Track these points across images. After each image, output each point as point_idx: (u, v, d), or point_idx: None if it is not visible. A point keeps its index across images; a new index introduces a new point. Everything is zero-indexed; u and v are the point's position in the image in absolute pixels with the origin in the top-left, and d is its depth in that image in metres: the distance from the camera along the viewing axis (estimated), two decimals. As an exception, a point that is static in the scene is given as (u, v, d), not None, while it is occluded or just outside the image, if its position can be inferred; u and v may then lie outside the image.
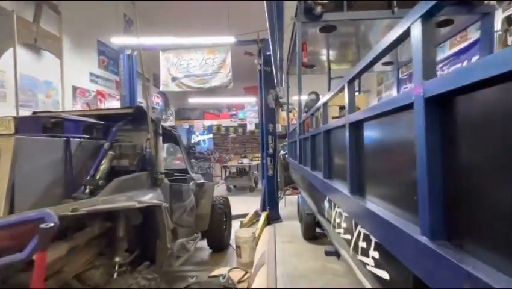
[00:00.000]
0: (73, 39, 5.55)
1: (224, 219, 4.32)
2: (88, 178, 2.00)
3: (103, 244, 2.24)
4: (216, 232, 3.96)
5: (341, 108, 2.92)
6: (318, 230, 4.54)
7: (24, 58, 4.52)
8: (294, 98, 9.85)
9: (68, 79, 5.33)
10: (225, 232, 4.23)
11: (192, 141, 12.24)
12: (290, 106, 7.28)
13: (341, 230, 1.81)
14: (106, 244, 2.26)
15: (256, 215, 5.71)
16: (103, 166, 2.07)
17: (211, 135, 12.34)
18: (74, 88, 5.55)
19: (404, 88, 6.93)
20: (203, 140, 12.39)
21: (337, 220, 1.92)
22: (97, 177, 2.00)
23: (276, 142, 5.71)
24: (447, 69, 5.40)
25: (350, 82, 1.53)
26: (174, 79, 6.03)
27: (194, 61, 5.94)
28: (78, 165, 2.02)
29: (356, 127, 1.45)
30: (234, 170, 9.91)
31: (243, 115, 10.83)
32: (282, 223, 5.53)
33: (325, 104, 2.08)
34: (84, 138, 2.09)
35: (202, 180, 3.98)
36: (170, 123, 10.68)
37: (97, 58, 6.32)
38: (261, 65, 5.27)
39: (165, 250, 2.46)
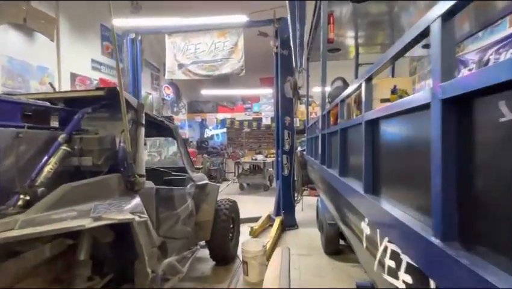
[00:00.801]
0: (72, 22, 5.09)
1: (231, 226, 3.70)
2: (26, 183, 1.42)
3: (60, 268, 1.67)
4: (220, 242, 3.35)
5: (386, 100, 2.17)
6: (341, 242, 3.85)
7: (14, 40, 4.09)
8: (315, 90, 9.05)
9: (66, 65, 4.89)
10: (231, 242, 3.61)
11: (205, 136, 11.75)
12: (309, 99, 6.47)
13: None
14: (66, 267, 1.70)
15: (269, 219, 5.06)
16: (50, 166, 1.49)
17: (224, 129, 11.78)
18: (74, 76, 5.10)
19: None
20: (217, 134, 11.85)
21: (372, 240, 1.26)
22: (38, 182, 1.42)
23: (294, 138, 5.00)
24: (505, 53, 4.43)
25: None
26: (180, 66, 5.45)
27: (203, 45, 5.31)
28: (13, 164, 1.45)
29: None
30: (247, 166, 9.30)
31: (258, 108, 10.14)
32: (299, 231, 4.85)
33: (369, 78, 1.39)
34: (23, 127, 1.50)
35: (205, 181, 3.36)
36: (181, 116, 10.21)
37: (100, 44, 5.85)
38: (277, 47, 4.55)
39: (144, 274, 1.87)
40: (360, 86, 1.49)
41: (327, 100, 3.82)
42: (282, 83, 4.72)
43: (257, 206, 6.66)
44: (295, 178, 5.06)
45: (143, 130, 2.09)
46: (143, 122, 2.11)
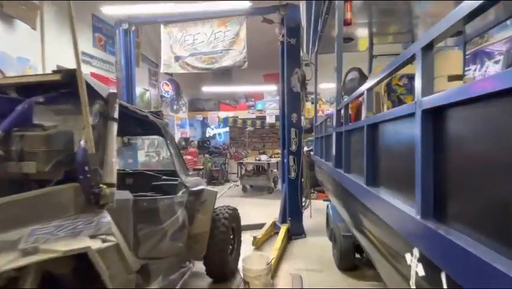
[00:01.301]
0: (59, 10, 4.66)
1: (231, 236, 3.24)
2: None
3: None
4: (218, 256, 2.89)
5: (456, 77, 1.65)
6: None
7: (-10, 28, 3.67)
8: (322, 86, 8.54)
9: (52, 57, 4.46)
10: (231, 256, 3.15)
11: (207, 135, 11.31)
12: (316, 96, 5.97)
13: None
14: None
15: (274, 227, 4.59)
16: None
17: (227, 128, 11.33)
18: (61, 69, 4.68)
19: (467, 70, 5.43)
20: (219, 134, 11.41)
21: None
22: None
23: (301, 137, 4.52)
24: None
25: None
26: (177, 58, 5.00)
27: (202, 36, 4.85)
28: None
29: None
30: (250, 167, 8.84)
31: (262, 106, 9.67)
32: (307, 240, 4.37)
33: (429, 46, 0.91)
34: None
35: (200, 187, 2.91)
36: (182, 114, 9.78)
37: (91, 36, 5.43)
38: (283, 35, 4.07)
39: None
40: (413, 58, 1.01)
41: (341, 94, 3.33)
42: (289, 76, 4.24)
43: (261, 211, 6.19)
44: (303, 181, 4.58)
45: (114, 126, 1.63)
46: (115, 116, 1.65)
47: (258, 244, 4.00)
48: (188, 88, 10.03)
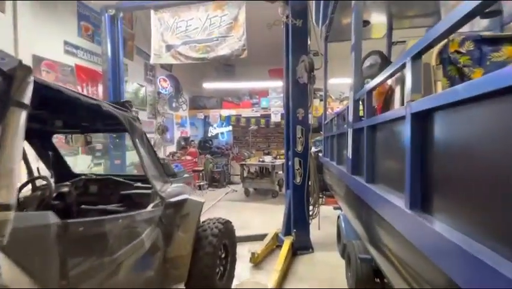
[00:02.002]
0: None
1: (223, 255, 2.67)
2: None
3: None
4: (202, 284, 2.31)
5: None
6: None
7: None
8: (331, 82, 7.88)
9: (26, 46, 3.98)
10: (222, 280, 2.57)
11: (209, 134, 10.78)
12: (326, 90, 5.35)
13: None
14: None
15: (277, 239, 4.00)
16: None
17: (230, 128, 10.78)
18: (38, 59, 4.19)
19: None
20: (221, 133, 10.86)
21: None
22: None
23: (308, 137, 3.91)
24: None
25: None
26: (169, 47, 4.46)
27: (196, 21, 4.30)
28: None
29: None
30: (253, 169, 8.25)
31: (266, 103, 9.07)
32: (315, 256, 3.76)
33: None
34: None
35: (182, 197, 2.34)
36: (182, 112, 9.26)
37: (76, 24, 4.93)
38: (287, 16, 3.47)
39: None
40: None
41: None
42: (294, 65, 3.64)
43: (264, 218, 5.60)
44: (310, 185, 3.96)
45: (21, 115, 1.07)
46: (25, 101, 1.09)
47: (257, 261, 3.42)
48: (188, 84, 9.51)
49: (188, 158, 8.37)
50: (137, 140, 1.96)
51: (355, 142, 2.06)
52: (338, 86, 8.86)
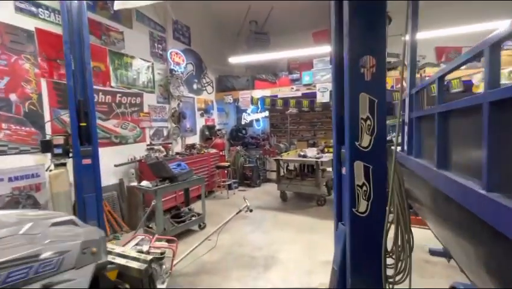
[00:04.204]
0: None
1: None
2: None
3: None
4: None
5: None
6: None
7: None
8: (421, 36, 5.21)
9: None
10: None
11: (242, 122, 9.07)
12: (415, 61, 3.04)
13: None
14: None
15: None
16: None
17: (267, 113, 8.89)
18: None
19: None
20: (257, 120, 9.05)
21: None
22: None
23: (384, 119, 1.84)
24: None
25: None
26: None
27: None
28: None
29: None
30: (292, 166, 6.32)
31: (310, 79, 6.92)
32: None
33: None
34: None
35: None
36: (207, 95, 7.68)
37: (32, -30, 3.55)
38: None
39: None
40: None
41: None
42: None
43: (301, 242, 3.71)
44: (390, 213, 1.92)
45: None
46: None
47: None
48: (213, 62, 7.85)
49: (212, 151, 6.80)
50: None
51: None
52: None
